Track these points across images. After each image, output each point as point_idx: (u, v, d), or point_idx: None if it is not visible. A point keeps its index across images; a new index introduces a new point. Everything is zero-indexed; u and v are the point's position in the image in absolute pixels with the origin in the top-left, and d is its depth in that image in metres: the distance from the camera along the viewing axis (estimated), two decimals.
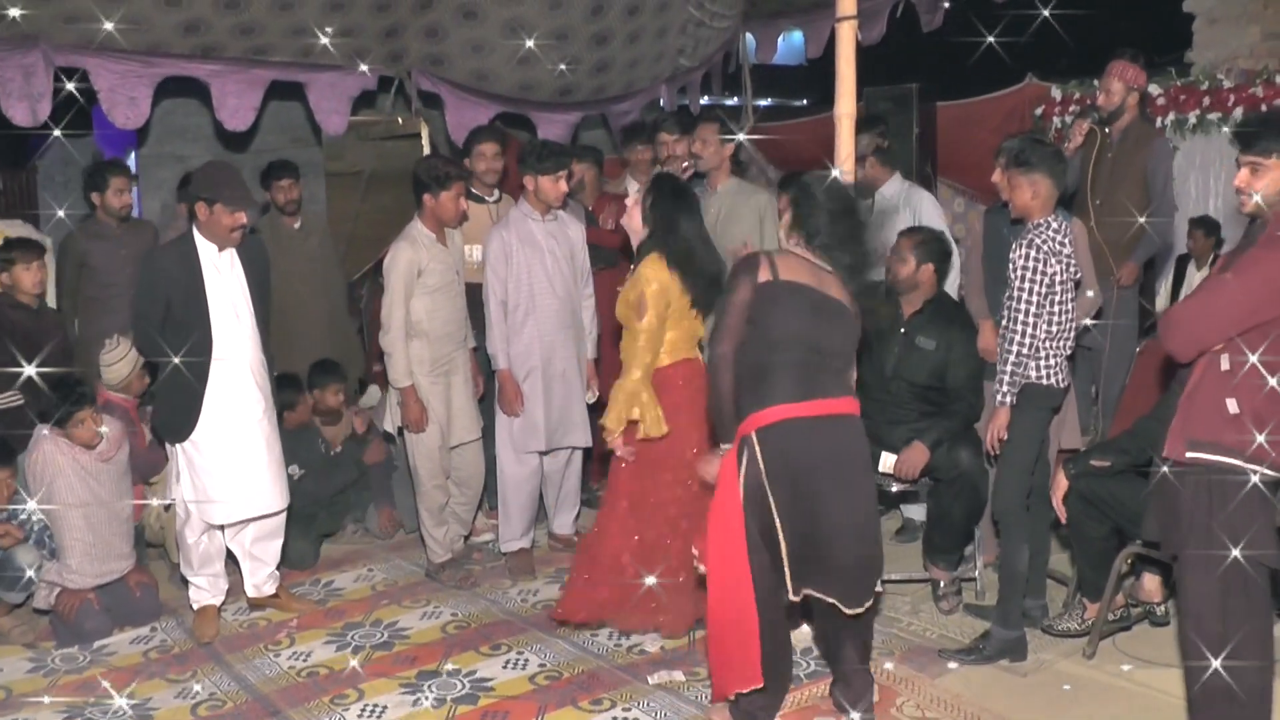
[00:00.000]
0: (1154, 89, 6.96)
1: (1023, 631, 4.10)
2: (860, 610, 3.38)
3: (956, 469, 4.49)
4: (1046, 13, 5.08)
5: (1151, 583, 4.33)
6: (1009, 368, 3.99)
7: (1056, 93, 7.61)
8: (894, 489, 4.74)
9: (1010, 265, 3.99)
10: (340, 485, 5.61)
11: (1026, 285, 3.93)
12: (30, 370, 4.63)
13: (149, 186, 7.72)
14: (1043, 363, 3.97)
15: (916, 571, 4.75)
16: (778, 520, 3.27)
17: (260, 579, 4.78)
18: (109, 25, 5.44)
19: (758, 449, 3.28)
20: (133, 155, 7.83)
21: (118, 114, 5.71)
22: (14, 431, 4.78)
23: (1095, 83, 5.61)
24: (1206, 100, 6.88)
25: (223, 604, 4.72)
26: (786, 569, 3.30)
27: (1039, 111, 7.65)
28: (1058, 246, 3.93)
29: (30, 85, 5.38)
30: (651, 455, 4.23)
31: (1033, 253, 3.92)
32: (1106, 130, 5.22)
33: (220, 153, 7.46)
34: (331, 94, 6.37)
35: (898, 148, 6.15)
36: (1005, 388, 4.01)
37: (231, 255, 4.45)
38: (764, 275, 3.35)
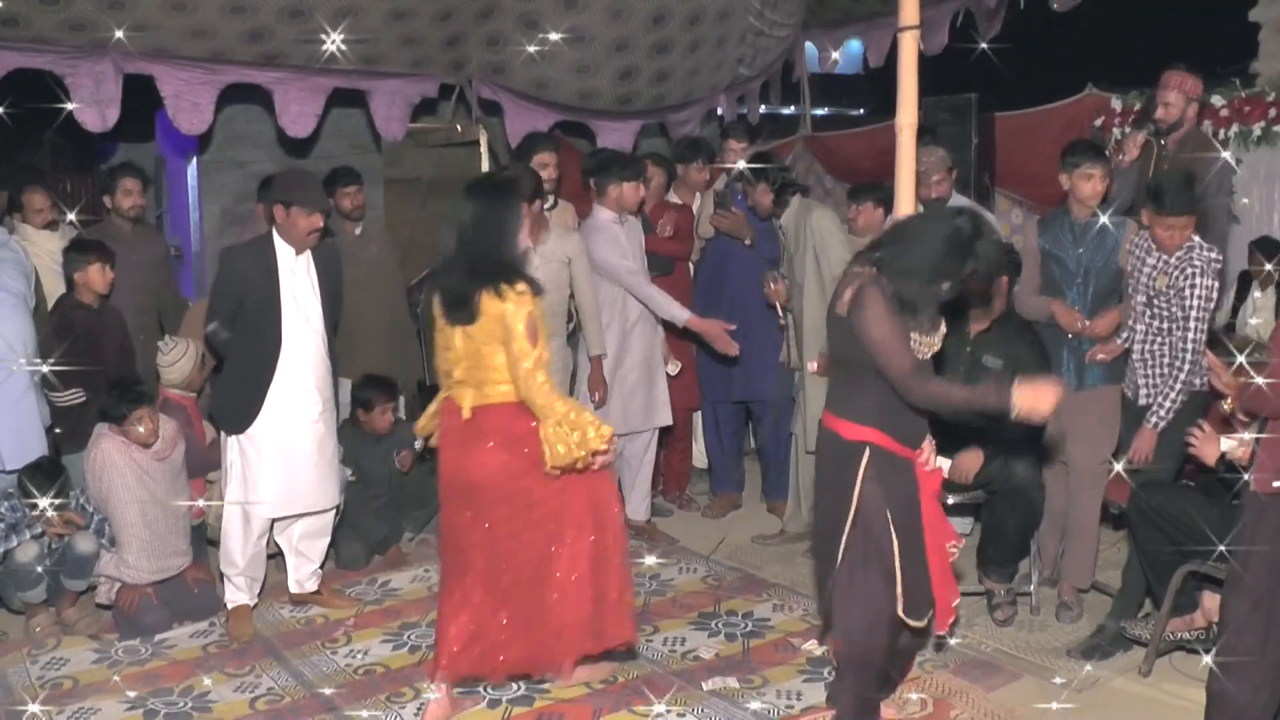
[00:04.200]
0: (1217, 100, 6.85)
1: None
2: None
3: (1011, 481, 4.46)
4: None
5: (1211, 601, 4.24)
6: (1175, 393, 4.16)
7: (1117, 104, 7.49)
8: (950, 500, 4.71)
9: (1182, 294, 4.13)
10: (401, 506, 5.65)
11: (1202, 314, 4.11)
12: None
13: (210, 191, 7.86)
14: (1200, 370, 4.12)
15: (970, 584, 4.72)
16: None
17: (304, 575, 4.87)
18: (176, 33, 5.56)
19: (870, 463, 3.33)
20: (194, 160, 7.97)
21: (182, 120, 5.83)
22: (78, 428, 4.89)
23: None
24: (1272, 112, 6.77)
25: (275, 601, 4.81)
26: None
27: (1099, 122, 7.56)
28: (1216, 265, 4.12)
29: (100, 91, 5.52)
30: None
31: (1206, 280, 4.08)
32: (1163, 141, 5.13)
33: (281, 159, 7.58)
34: (393, 101, 6.47)
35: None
36: (1163, 413, 4.18)
37: (307, 259, 4.55)
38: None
